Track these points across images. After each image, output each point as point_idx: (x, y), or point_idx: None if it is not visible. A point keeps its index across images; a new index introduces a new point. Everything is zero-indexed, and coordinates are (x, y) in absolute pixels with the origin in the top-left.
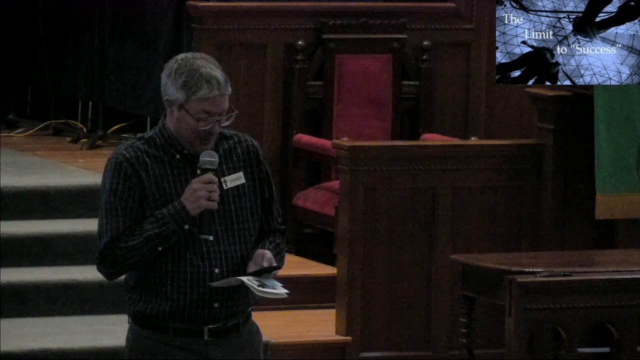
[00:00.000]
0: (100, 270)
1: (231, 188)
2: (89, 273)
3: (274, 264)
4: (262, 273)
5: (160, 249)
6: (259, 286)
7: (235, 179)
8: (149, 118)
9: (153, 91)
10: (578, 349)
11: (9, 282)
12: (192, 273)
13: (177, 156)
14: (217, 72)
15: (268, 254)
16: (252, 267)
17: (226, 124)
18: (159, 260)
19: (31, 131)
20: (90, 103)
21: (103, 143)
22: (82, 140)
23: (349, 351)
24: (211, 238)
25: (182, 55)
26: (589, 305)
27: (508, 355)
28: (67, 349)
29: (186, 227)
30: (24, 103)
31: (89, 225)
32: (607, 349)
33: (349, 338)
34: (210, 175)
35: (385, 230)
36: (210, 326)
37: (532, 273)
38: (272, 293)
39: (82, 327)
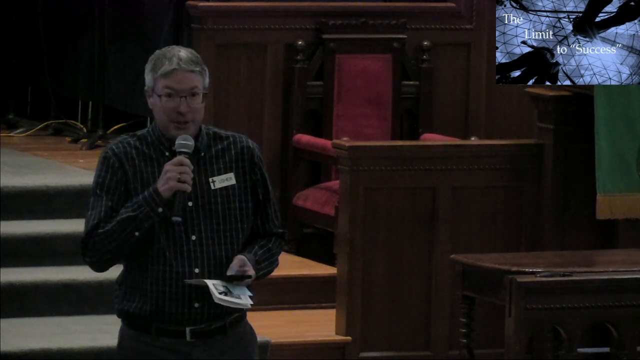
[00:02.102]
0: (84, 261)
1: (220, 188)
2: (89, 273)
3: (249, 273)
4: (232, 280)
5: (137, 234)
6: (220, 293)
7: (225, 180)
8: (149, 118)
9: None
10: (578, 349)
11: (9, 282)
12: (170, 272)
13: (167, 153)
14: (184, 52)
15: (245, 261)
16: (229, 272)
17: (195, 106)
18: (141, 258)
19: (31, 131)
20: (90, 103)
21: (103, 143)
22: (82, 140)
23: (349, 351)
24: (180, 220)
25: (164, 47)
26: (589, 305)
27: (508, 355)
28: (67, 349)
29: (160, 209)
30: (24, 103)
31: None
32: (607, 349)
33: (349, 338)
34: (181, 157)
35: (385, 230)
36: (193, 327)
37: (532, 273)
38: (233, 302)
39: (82, 327)
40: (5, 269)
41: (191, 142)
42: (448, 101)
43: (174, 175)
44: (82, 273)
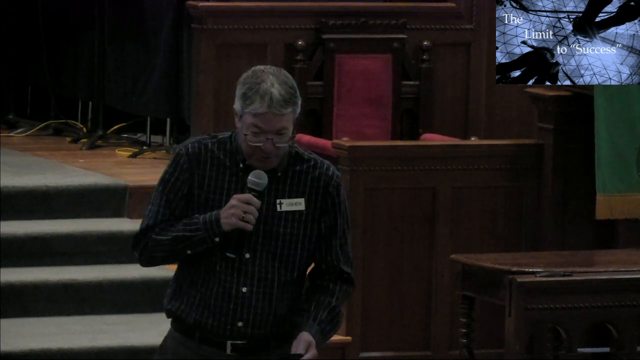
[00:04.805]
0: (133, 254)
1: (286, 212)
2: (89, 273)
3: (309, 357)
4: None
5: (188, 252)
6: None
7: (294, 204)
8: (149, 118)
9: (153, 91)
10: (578, 349)
11: (9, 282)
12: (218, 286)
13: (240, 165)
14: (277, 90)
15: (309, 346)
16: (293, 347)
17: (281, 145)
18: (193, 265)
19: (31, 131)
20: (90, 103)
21: (103, 143)
22: (82, 140)
23: (349, 351)
24: (234, 256)
25: (259, 67)
26: (589, 305)
27: (508, 355)
28: (67, 349)
29: (217, 239)
30: (24, 103)
31: (89, 225)
32: (607, 349)
33: (349, 338)
34: (250, 196)
35: (385, 230)
36: (234, 342)
37: (532, 273)
38: None
39: (82, 327)
40: (5, 269)
41: (264, 181)
42: (448, 101)
43: (238, 213)
44: (82, 273)
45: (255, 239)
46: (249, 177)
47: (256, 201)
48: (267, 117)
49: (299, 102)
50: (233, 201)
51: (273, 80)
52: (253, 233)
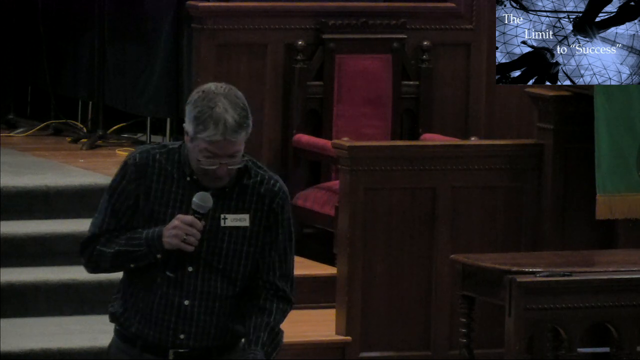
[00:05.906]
0: (80, 259)
1: (230, 227)
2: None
3: None
4: None
5: (132, 265)
6: None
7: (238, 220)
8: (149, 118)
9: (153, 91)
10: (578, 349)
11: (9, 282)
12: (160, 298)
13: (187, 178)
14: (230, 115)
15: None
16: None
17: (233, 167)
18: (136, 275)
19: (31, 131)
20: (90, 103)
21: (103, 143)
22: (82, 140)
23: (349, 351)
24: (172, 275)
25: (209, 86)
26: (589, 305)
27: (508, 355)
28: (67, 349)
29: (158, 256)
30: (24, 103)
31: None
32: (607, 349)
33: (349, 338)
34: (192, 218)
35: (385, 230)
36: (176, 350)
37: (532, 273)
38: None
39: (82, 327)
40: (5, 269)
41: (208, 205)
42: (448, 101)
43: (179, 234)
44: (82, 273)
45: (198, 253)
46: (194, 199)
47: (199, 224)
48: (222, 144)
49: (251, 122)
50: (176, 222)
51: (225, 104)
52: (197, 247)
